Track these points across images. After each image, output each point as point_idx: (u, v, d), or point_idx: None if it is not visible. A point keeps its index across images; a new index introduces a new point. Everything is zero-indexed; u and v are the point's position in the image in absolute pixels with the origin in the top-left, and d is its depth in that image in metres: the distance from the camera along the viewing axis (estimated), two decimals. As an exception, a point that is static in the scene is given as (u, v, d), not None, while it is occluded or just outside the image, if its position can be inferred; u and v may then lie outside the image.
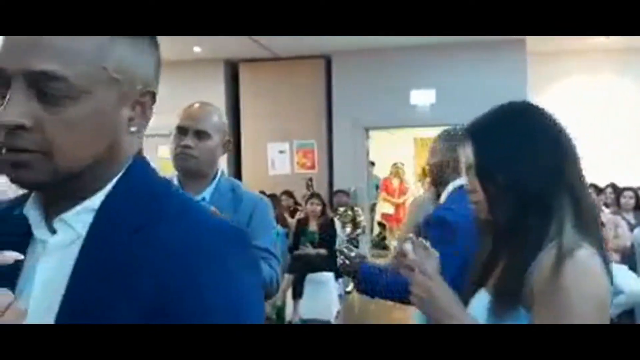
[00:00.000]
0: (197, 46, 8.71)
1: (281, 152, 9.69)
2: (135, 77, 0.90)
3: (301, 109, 9.52)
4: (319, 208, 7.22)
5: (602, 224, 1.44)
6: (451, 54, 8.77)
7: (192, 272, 0.83)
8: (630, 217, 6.81)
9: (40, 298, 0.86)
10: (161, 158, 6.68)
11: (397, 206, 12.25)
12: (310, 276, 6.74)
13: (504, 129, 1.48)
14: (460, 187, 2.48)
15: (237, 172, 9.42)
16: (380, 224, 12.74)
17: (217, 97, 9.22)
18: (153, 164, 0.99)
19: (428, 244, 1.59)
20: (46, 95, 0.81)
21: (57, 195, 0.89)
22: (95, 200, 0.89)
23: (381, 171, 12.69)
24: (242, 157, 9.69)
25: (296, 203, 8.73)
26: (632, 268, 5.07)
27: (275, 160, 9.71)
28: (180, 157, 2.24)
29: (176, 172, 2.28)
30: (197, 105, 2.33)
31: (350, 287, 8.14)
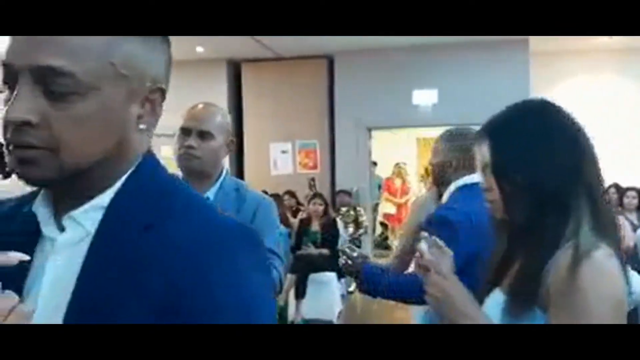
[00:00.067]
0: (200, 46, 8.71)
1: (283, 152, 9.69)
2: (145, 74, 0.89)
3: (303, 109, 9.52)
4: (321, 208, 7.22)
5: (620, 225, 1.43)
6: (454, 54, 8.76)
7: (203, 271, 0.82)
8: (634, 217, 6.79)
9: (48, 296, 0.85)
10: (164, 158, 6.67)
11: (399, 206, 12.25)
12: (313, 276, 6.73)
13: (521, 127, 1.46)
14: (463, 187, 2.48)
15: (239, 172, 9.42)
16: (382, 224, 12.73)
17: (220, 97, 9.22)
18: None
19: (442, 242, 1.57)
20: (53, 91, 0.81)
21: (66, 192, 0.89)
22: (105, 198, 0.89)
23: (384, 171, 12.68)
24: (245, 157, 9.70)
25: (298, 203, 8.73)
26: (635, 269, 5.05)
27: (277, 160, 9.71)
28: (184, 158, 2.25)
29: (180, 172, 2.29)
30: (200, 106, 2.34)
31: (352, 287, 8.15)
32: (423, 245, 1.52)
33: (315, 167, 9.64)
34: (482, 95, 8.64)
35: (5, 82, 0.83)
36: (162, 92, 0.93)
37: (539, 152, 1.40)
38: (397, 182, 12.46)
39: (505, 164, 1.44)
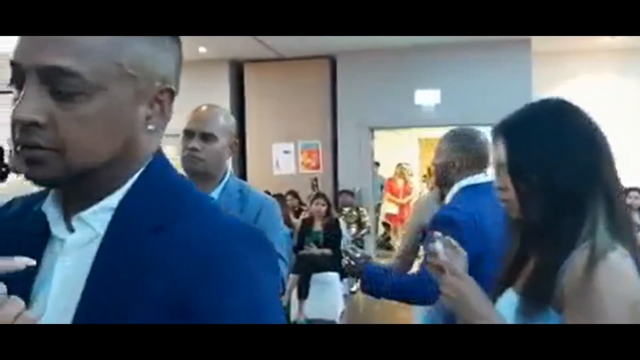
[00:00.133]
0: (202, 46, 8.71)
1: (286, 152, 9.68)
2: (154, 74, 0.88)
3: (306, 109, 9.52)
4: (324, 208, 7.21)
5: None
6: (456, 54, 8.75)
7: (214, 274, 0.82)
8: (637, 217, 6.78)
9: (58, 297, 0.85)
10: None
11: (402, 206, 12.24)
12: (316, 276, 6.73)
13: (538, 126, 1.45)
14: (466, 187, 2.48)
15: (242, 172, 9.42)
16: (384, 224, 12.73)
17: (222, 97, 9.22)
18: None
19: (456, 242, 1.56)
20: (60, 92, 0.80)
21: (75, 193, 0.89)
22: (114, 199, 0.88)
23: (386, 171, 12.67)
24: (247, 158, 9.69)
25: (301, 203, 8.73)
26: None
27: (280, 161, 9.70)
28: (188, 160, 2.27)
29: (184, 174, 2.30)
30: (204, 108, 2.36)
31: (355, 287, 8.14)
32: (438, 246, 1.51)
33: (317, 167, 9.64)
34: (484, 96, 8.64)
35: (13, 81, 0.83)
36: (172, 93, 0.92)
37: (556, 151, 1.39)
38: (399, 183, 12.45)
39: (521, 163, 1.43)
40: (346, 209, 8.71)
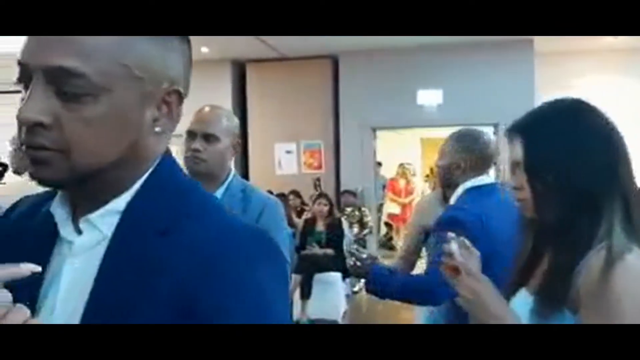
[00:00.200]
0: (205, 46, 8.72)
1: (288, 152, 9.69)
2: (161, 75, 0.87)
3: (308, 109, 9.52)
4: (326, 208, 7.22)
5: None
6: (458, 54, 8.75)
7: (219, 274, 0.81)
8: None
9: (66, 300, 0.85)
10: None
11: (404, 206, 12.23)
12: (318, 276, 6.73)
13: (555, 125, 1.44)
14: (471, 189, 2.48)
15: (244, 172, 9.43)
16: (386, 224, 12.73)
17: (224, 97, 9.24)
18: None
19: (469, 243, 1.55)
20: (65, 92, 0.79)
21: (82, 194, 0.88)
22: (121, 202, 0.88)
23: (388, 171, 12.67)
24: (250, 157, 9.70)
25: (303, 203, 8.74)
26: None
27: (282, 161, 9.71)
28: (190, 161, 2.28)
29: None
30: (206, 109, 2.37)
31: (357, 287, 8.15)
32: (453, 247, 1.49)
33: (319, 167, 9.64)
34: (486, 96, 8.65)
35: (20, 81, 0.82)
36: (180, 95, 0.90)
37: (573, 151, 1.38)
38: (401, 183, 12.45)
39: (537, 162, 1.42)
40: (348, 209, 8.72)
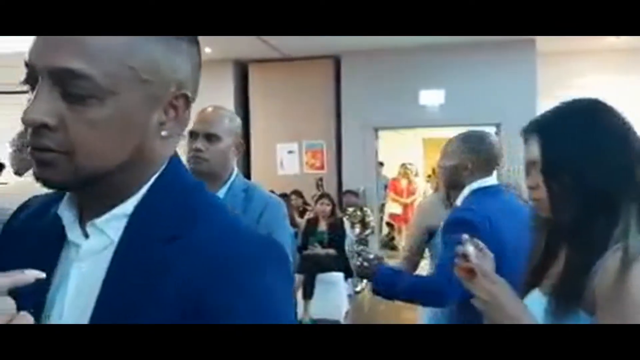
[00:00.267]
0: (207, 47, 8.72)
1: (290, 152, 9.69)
2: (169, 79, 0.86)
3: (310, 110, 9.53)
4: (328, 208, 7.23)
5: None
6: (460, 54, 8.74)
7: (224, 275, 0.81)
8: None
9: (73, 304, 0.85)
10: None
11: (406, 206, 12.24)
12: (320, 276, 6.74)
13: (573, 125, 1.43)
14: (477, 190, 2.47)
15: (246, 172, 9.43)
16: (388, 224, 12.73)
17: (227, 97, 9.24)
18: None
19: (483, 244, 1.54)
20: (71, 94, 0.79)
21: (89, 197, 0.88)
22: (128, 206, 0.87)
23: (390, 171, 12.67)
24: (252, 158, 9.70)
25: (305, 203, 8.75)
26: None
27: (284, 161, 9.72)
28: (192, 160, 2.29)
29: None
30: (209, 109, 2.39)
31: (359, 288, 8.15)
32: (469, 248, 1.48)
33: (322, 167, 9.64)
34: (488, 96, 8.64)
35: (27, 82, 0.82)
36: (187, 98, 0.89)
37: (590, 151, 1.38)
38: (403, 183, 12.45)
39: (555, 162, 1.42)
40: (350, 209, 8.72)
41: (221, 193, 2.33)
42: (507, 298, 1.41)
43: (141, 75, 0.82)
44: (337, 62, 9.60)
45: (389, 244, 12.24)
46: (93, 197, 0.88)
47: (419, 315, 3.48)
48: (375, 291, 2.49)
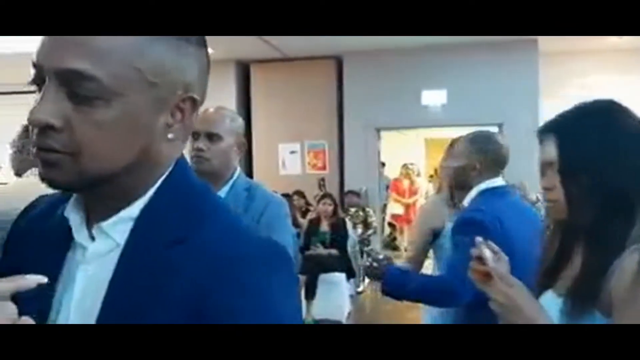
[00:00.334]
0: (210, 47, 8.70)
1: (292, 152, 9.70)
2: (176, 82, 0.85)
3: (312, 110, 9.53)
4: (330, 208, 7.23)
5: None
6: (462, 54, 8.74)
7: (227, 276, 0.81)
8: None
9: (79, 307, 0.85)
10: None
11: (407, 207, 12.24)
12: (322, 277, 6.74)
13: (590, 126, 1.43)
14: (485, 190, 2.47)
15: (248, 172, 9.43)
16: (390, 224, 12.73)
17: (229, 97, 9.24)
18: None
19: (497, 248, 1.53)
20: (77, 95, 0.79)
21: (95, 198, 0.88)
22: (134, 209, 0.87)
23: (392, 172, 12.67)
24: (254, 158, 9.71)
25: (307, 203, 8.75)
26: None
27: (286, 161, 9.72)
28: (194, 160, 2.31)
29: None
30: (211, 109, 2.40)
31: (361, 288, 8.16)
32: (486, 251, 1.47)
33: (324, 167, 9.65)
34: (491, 96, 8.64)
35: (34, 82, 0.82)
36: (194, 101, 0.89)
37: (607, 151, 1.38)
38: (405, 183, 12.45)
39: (572, 162, 1.41)
40: (352, 210, 8.73)
41: (223, 192, 2.34)
42: (524, 300, 1.40)
43: (148, 77, 0.82)
44: (339, 62, 9.60)
45: (390, 244, 12.25)
46: (99, 198, 0.87)
47: (421, 315, 3.49)
48: (385, 291, 2.48)
